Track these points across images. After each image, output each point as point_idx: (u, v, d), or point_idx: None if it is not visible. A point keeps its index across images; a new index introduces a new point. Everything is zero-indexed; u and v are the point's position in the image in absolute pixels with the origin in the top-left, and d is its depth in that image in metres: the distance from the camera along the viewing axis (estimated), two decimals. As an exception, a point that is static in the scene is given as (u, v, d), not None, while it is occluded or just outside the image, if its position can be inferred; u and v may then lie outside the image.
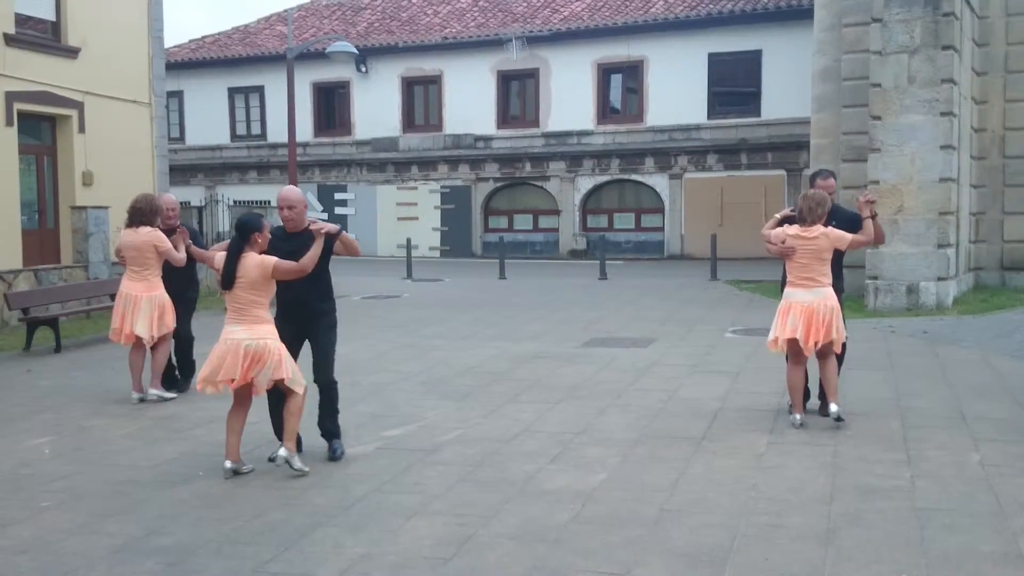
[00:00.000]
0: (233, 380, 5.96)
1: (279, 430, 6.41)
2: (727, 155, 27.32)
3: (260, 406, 6.45)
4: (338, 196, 31.39)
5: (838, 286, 7.30)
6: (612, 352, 10.82)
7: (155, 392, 8.51)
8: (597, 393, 8.53)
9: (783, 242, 7.12)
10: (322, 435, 6.55)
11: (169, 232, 8.66)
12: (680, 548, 4.75)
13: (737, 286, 18.55)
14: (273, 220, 6.86)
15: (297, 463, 6.01)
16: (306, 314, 6.40)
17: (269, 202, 27.42)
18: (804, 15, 22.88)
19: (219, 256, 6.14)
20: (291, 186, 6.69)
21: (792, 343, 7.11)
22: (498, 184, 30.23)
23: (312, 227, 6.18)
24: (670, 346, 11.23)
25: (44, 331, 12.02)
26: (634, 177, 28.61)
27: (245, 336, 5.93)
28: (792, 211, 7.36)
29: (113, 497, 5.72)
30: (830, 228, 7.06)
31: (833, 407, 7.10)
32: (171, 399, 8.51)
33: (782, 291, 7.37)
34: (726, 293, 17.51)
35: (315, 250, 6.05)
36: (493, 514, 5.28)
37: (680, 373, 9.47)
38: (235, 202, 26.47)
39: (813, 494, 5.56)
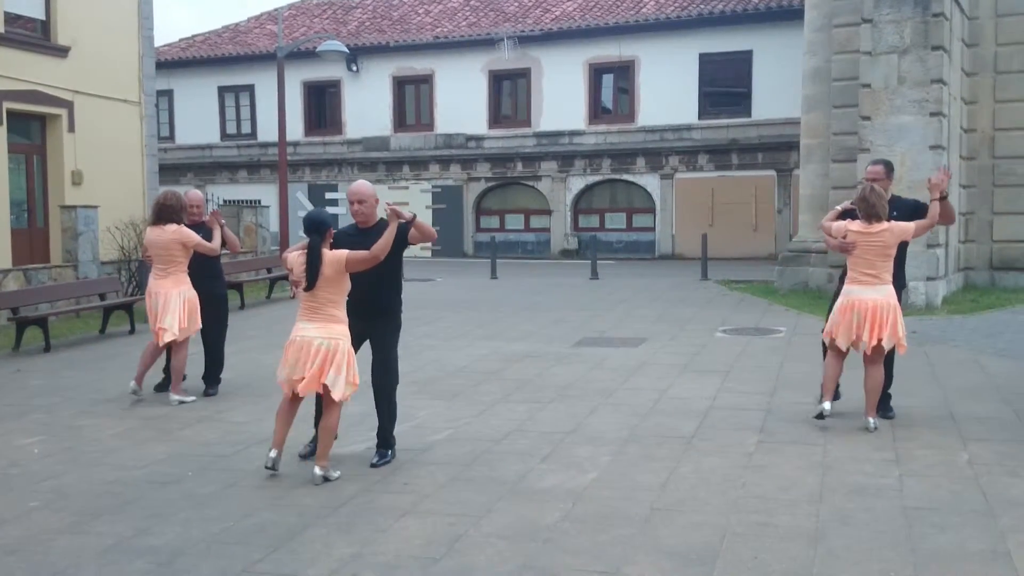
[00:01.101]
0: (302, 379, 5.83)
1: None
2: (718, 155, 27.36)
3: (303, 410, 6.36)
4: (329, 196, 31.31)
5: (899, 282, 7.13)
6: (603, 352, 10.83)
7: (176, 397, 8.31)
8: (588, 392, 8.54)
9: (844, 236, 6.90)
10: (377, 440, 6.46)
11: (193, 227, 8.54)
12: (670, 547, 4.76)
13: (727, 286, 18.59)
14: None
15: (335, 475, 5.94)
16: (373, 311, 6.24)
17: (259, 201, 27.41)
18: (795, 15, 22.95)
19: (293, 256, 5.98)
20: (362, 180, 6.48)
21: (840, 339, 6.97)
22: (489, 184, 30.22)
23: (388, 209, 5.92)
24: (661, 346, 11.24)
25: (33, 331, 11.98)
26: (625, 177, 28.63)
27: (317, 334, 5.82)
28: (852, 204, 7.13)
29: (102, 497, 5.70)
30: (893, 222, 6.82)
31: (870, 421, 6.94)
32: (191, 402, 8.33)
33: (840, 284, 7.17)
34: (716, 293, 17.54)
35: (388, 236, 5.81)
36: (484, 513, 5.28)
37: (671, 372, 9.49)
38: (225, 201, 26.48)
39: (802, 493, 5.58)
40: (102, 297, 13.86)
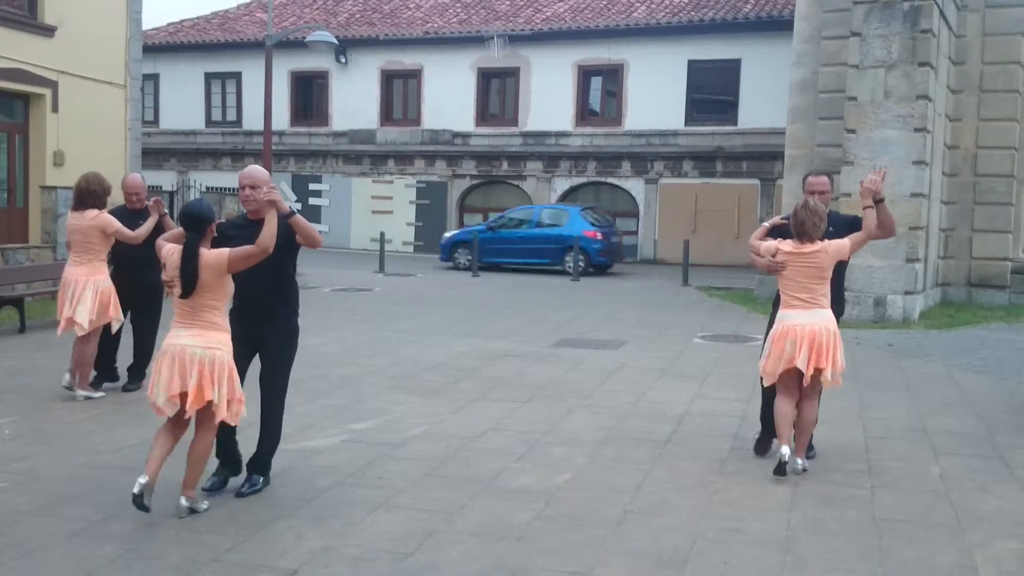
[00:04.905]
0: (183, 395, 4.98)
1: (229, 462, 5.57)
2: (703, 162, 27.44)
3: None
4: (312, 187, 31.22)
5: (838, 305, 6.38)
6: (582, 353, 10.84)
7: (82, 393, 7.80)
8: (565, 393, 8.55)
9: (773, 255, 6.14)
10: (248, 464, 5.56)
11: (134, 214, 7.96)
12: (641, 549, 4.77)
13: (707, 292, 18.66)
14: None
15: (203, 506, 5.14)
16: (261, 315, 5.43)
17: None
18: (784, 26, 23.02)
19: (168, 248, 5.13)
20: (255, 165, 5.74)
21: (787, 372, 6.12)
22: (474, 181, 30.19)
23: (264, 195, 5.13)
24: (639, 349, 11.27)
25: (9, 311, 11.87)
26: (610, 180, 28.66)
27: (192, 343, 5.00)
28: (784, 219, 6.46)
29: (72, 480, 5.66)
30: (828, 241, 6.07)
31: (798, 462, 6.11)
32: (100, 398, 7.89)
33: (774, 310, 6.39)
34: (696, 299, 17.60)
35: (269, 223, 5.01)
36: (456, 510, 5.28)
37: (648, 376, 9.51)
38: (207, 188, 26.31)
39: (773, 501, 5.60)
40: (79, 280, 13.72)
